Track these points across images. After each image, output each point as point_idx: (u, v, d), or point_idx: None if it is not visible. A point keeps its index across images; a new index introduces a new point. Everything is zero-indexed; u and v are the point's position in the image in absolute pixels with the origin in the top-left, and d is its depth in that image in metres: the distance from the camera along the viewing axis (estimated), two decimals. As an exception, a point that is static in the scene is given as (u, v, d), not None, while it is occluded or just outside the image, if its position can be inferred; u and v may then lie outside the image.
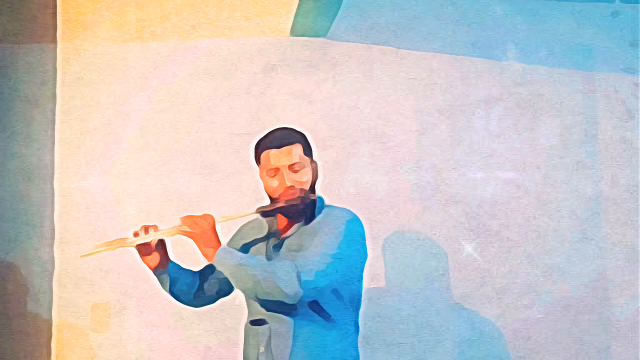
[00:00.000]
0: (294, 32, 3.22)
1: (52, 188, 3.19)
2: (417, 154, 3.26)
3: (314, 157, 2.32)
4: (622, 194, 3.30)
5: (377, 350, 3.15)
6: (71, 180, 3.19)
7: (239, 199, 3.15)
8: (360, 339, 2.31)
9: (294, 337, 2.15)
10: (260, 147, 2.26)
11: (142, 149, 3.21)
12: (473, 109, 3.30)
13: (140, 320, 3.14)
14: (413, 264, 3.21)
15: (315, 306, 2.16)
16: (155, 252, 2.23)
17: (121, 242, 2.17)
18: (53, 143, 3.20)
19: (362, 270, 2.27)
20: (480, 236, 3.25)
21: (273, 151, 2.21)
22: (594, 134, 3.32)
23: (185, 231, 2.08)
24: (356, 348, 2.26)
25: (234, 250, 2.10)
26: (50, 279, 3.15)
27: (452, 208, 3.25)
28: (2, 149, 3.18)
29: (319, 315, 2.16)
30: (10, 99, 3.20)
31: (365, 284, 2.34)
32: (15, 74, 3.21)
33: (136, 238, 2.16)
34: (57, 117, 3.21)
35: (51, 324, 3.14)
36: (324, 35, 3.25)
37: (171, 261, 2.28)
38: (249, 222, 2.41)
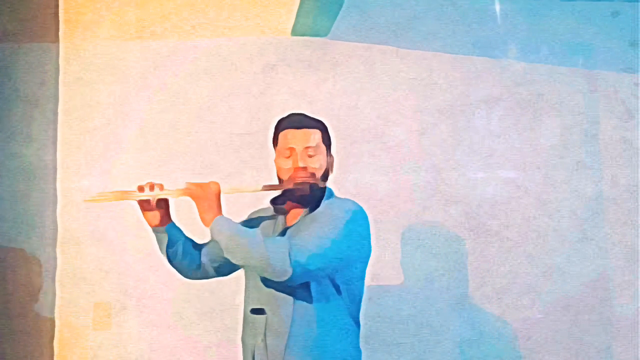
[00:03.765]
0: (294, 32, 3.22)
1: (53, 188, 3.19)
2: (417, 154, 3.26)
3: (332, 153, 2.32)
4: (622, 194, 3.30)
5: (377, 350, 3.16)
6: (71, 180, 3.19)
7: (239, 198, 3.14)
8: (360, 338, 2.30)
9: (291, 332, 2.13)
10: (281, 127, 2.27)
11: (142, 149, 3.21)
12: (473, 108, 3.30)
13: (140, 320, 3.14)
14: (413, 264, 3.21)
15: (309, 290, 2.13)
16: (156, 209, 2.21)
17: (125, 194, 2.16)
18: (53, 143, 3.20)
19: (364, 267, 2.24)
20: (480, 236, 3.25)
21: (292, 131, 2.22)
22: (594, 134, 3.32)
23: (190, 192, 2.09)
24: (357, 347, 2.23)
25: (232, 220, 2.09)
26: (51, 279, 3.15)
27: (452, 208, 3.25)
28: (2, 149, 3.18)
29: (316, 300, 2.13)
30: (10, 99, 3.20)
31: (365, 283, 2.33)
32: (16, 74, 3.21)
33: (140, 193, 2.16)
34: (57, 117, 3.21)
35: (52, 324, 3.14)
36: (325, 35, 3.24)
37: (172, 222, 2.26)
38: (258, 211, 2.41)
